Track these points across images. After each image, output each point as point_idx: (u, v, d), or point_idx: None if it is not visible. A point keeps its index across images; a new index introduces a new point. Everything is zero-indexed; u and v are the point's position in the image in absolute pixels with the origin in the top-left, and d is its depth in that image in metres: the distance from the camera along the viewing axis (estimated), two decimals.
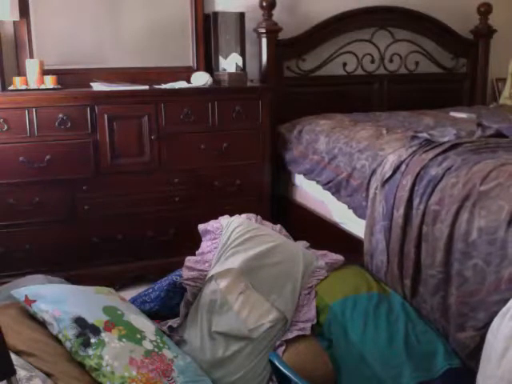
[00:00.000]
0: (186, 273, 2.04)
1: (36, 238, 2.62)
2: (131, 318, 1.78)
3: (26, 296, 1.71)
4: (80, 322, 1.65)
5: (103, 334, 1.64)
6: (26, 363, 1.49)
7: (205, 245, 2.15)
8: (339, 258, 2.19)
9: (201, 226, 2.22)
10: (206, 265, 2.05)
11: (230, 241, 2.08)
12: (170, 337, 1.90)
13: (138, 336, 1.71)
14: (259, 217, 2.30)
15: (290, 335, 1.91)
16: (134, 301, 2.19)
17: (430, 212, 1.95)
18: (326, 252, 2.20)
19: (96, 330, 1.64)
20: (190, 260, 2.08)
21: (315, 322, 1.94)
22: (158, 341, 1.75)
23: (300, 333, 1.90)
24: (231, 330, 1.89)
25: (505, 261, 1.64)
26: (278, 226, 2.30)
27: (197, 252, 2.13)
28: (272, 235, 2.17)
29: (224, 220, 2.20)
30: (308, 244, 2.28)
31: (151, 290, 2.16)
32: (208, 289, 1.99)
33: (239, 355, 1.87)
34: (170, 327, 1.99)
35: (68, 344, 1.61)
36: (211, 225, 2.19)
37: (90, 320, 1.67)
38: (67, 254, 2.67)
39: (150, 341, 1.72)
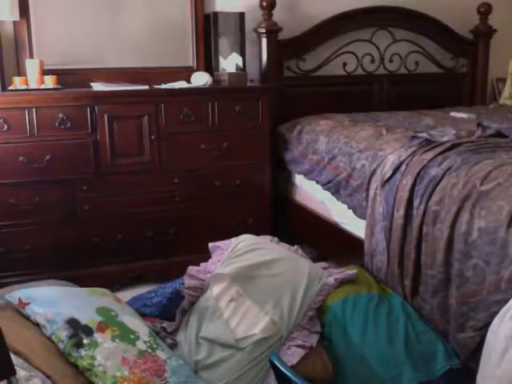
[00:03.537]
0: (187, 281, 2.04)
1: (36, 238, 2.62)
2: (125, 319, 1.77)
3: (19, 299, 1.72)
4: (73, 323, 1.65)
5: (96, 335, 1.64)
6: (25, 363, 1.49)
7: (211, 259, 2.16)
8: (351, 272, 2.10)
9: (211, 244, 2.22)
10: (208, 275, 2.05)
11: (232, 253, 2.09)
12: (162, 339, 1.90)
13: (132, 337, 1.71)
14: (276, 238, 2.29)
15: (286, 350, 1.86)
16: (135, 301, 2.19)
17: (430, 212, 1.95)
18: (344, 269, 2.13)
19: (89, 331, 1.64)
20: (192, 269, 2.09)
21: (313, 345, 1.88)
22: (152, 342, 1.74)
23: (298, 349, 1.85)
24: (217, 337, 1.87)
25: (505, 261, 1.64)
26: (295, 247, 2.25)
27: (201, 263, 2.14)
28: (277, 250, 2.16)
29: (235, 238, 2.20)
30: (327, 265, 2.19)
31: (153, 295, 2.15)
32: (203, 296, 1.99)
33: (223, 364, 1.83)
34: (165, 330, 1.99)
35: (61, 345, 1.61)
36: (221, 242, 2.20)
37: (83, 321, 1.67)
38: (67, 254, 2.67)
39: (144, 342, 1.72)
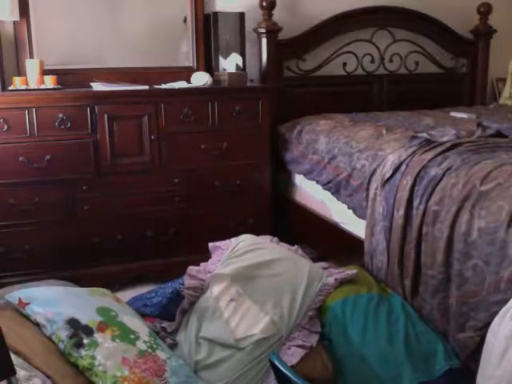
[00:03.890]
0: (187, 281, 2.04)
1: (36, 238, 2.62)
2: (125, 319, 1.77)
3: (19, 299, 1.72)
4: (73, 323, 1.65)
5: (96, 335, 1.64)
6: (25, 363, 1.49)
7: (211, 259, 2.16)
8: (351, 272, 2.09)
9: (211, 244, 2.22)
10: (208, 275, 2.05)
11: (232, 253, 2.09)
12: (162, 339, 1.90)
13: (132, 336, 1.71)
14: (276, 238, 2.29)
15: (286, 350, 1.86)
16: (135, 301, 2.19)
17: (430, 212, 1.95)
18: (344, 269, 2.13)
19: (89, 331, 1.64)
20: (192, 269, 2.09)
21: (313, 345, 1.88)
22: (152, 342, 1.74)
23: (298, 349, 1.85)
24: (217, 337, 1.86)
25: (505, 261, 1.64)
26: (295, 247, 2.26)
27: (201, 263, 2.14)
28: (277, 250, 2.15)
29: (235, 238, 2.20)
30: (327, 265, 2.19)
31: (153, 295, 2.15)
32: (203, 296, 1.99)
33: (223, 364, 1.83)
34: (165, 330, 1.99)
35: (61, 345, 1.61)
36: (221, 242, 2.20)
37: (84, 321, 1.67)
38: (67, 254, 2.68)
39: (144, 341, 1.72)
